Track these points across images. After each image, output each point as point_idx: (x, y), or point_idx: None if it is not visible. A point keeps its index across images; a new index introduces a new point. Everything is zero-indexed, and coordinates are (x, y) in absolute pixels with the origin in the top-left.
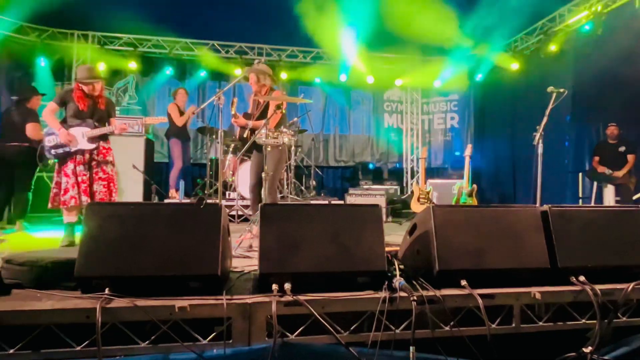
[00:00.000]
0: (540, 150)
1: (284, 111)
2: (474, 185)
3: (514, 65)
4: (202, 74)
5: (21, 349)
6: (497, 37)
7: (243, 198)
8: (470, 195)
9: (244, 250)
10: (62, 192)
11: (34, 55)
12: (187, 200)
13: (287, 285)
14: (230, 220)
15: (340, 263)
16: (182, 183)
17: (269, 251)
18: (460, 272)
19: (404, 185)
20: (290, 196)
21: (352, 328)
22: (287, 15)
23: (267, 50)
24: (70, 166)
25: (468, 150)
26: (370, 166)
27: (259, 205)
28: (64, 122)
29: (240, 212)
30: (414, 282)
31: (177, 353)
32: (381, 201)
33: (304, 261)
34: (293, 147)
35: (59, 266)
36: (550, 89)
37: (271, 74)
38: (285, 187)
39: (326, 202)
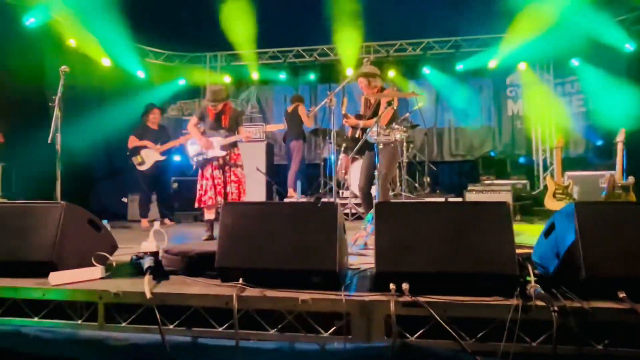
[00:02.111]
0: None
1: (395, 108)
2: (632, 178)
3: None
4: (312, 77)
5: (178, 326)
6: None
7: (356, 196)
8: (626, 189)
9: (359, 248)
10: (202, 193)
11: (176, 77)
12: (304, 199)
13: (405, 285)
14: (344, 218)
15: (461, 264)
16: (298, 183)
17: (385, 249)
18: (616, 281)
19: (534, 179)
20: (404, 194)
21: (478, 336)
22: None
23: (375, 47)
24: (208, 170)
25: (620, 136)
26: (493, 159)
27: (374, 203)
28: (203, 133)
29: (353, 210)
30: (553, 290)
31: (301, 342)
32: (507, 198)
33: (421, 261)
34: (405, 144)
35: (204, 257)
36: None
37: (379, 74)
38: (398, 184)
39: (442, 199)
